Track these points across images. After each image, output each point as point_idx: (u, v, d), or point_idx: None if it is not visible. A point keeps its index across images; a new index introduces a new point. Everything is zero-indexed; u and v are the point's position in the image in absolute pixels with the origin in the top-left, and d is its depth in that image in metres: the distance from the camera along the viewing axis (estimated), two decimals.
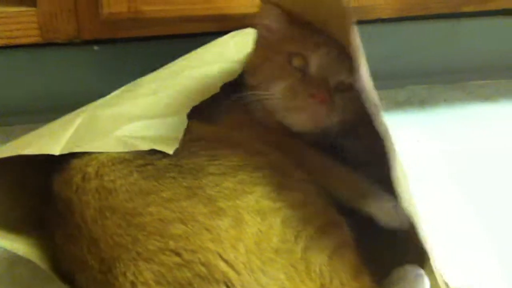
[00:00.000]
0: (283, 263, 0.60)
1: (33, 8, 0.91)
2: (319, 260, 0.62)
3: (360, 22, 1.05)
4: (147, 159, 0.65)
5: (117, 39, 0.97)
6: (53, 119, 0.98)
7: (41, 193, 0.70)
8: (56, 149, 0.66)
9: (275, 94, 0.75)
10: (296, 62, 0.76)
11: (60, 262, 0.67)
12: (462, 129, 1.07)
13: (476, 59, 1.18)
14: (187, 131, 0.68)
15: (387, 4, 1.01)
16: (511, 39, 1.17)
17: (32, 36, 0.93)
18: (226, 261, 0.58)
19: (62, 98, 0.99)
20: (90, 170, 0.65)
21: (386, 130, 0.62)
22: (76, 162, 0.67)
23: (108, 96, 0.77)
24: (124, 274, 0.58)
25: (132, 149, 0.66)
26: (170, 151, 0.65)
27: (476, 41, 1.17)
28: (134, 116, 0.71)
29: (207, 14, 0.93)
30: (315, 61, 0.75)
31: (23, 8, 0.92)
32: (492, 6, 1.09)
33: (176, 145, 0.66)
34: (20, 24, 0.92)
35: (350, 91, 0.76)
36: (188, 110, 0.71)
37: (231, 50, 0.84)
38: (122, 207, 0.62)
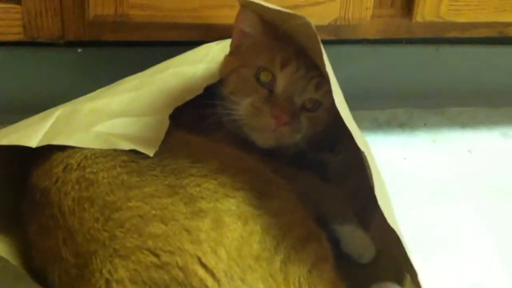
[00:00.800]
0: (262, 273, 0.59)
1: (18, 6, 0.90)
2: (298, 272, 0.61)
3: (344, 42, 1.08)
4: (130, 157, 0.65)
5: (101, 42, 0.96)
6: None
7: (15, 186, 0.69)
8: (33, 142, 0.65)
9: (240, 110, 0.74)
10: (264, 77, 0.75)
11: (32, 259, 0.65)
12: (441, 153, 1.09)
13: (456, 85, 1.20)
14: (171, 136, 0.68)
15: (372, 25, 1.02)
16: (490, 67, 1.19)
17: (15, 33, 0.91)
18: (205, 267, 0.57)
19: (42, 98, 0.97)
20: (73, 161, 0.64)
21: (366, 149, 0.62)
22: (58, 154, 0.66)
23: (89, 94, 0.76)
24: (100, 271, 0.57)
25: (112, 147, 0.65)
26: (150, 153, 0.64)
27: (457, 68, 1.19)
28: (115, 113, 0.70)
29: (194, 22, 0.93)
30: (283, 79, 0.74)
31: (7, 5, 0.90)
32: (473, 34, 1.11)
33: (157, 147, 0.65)
34: (3, 21, 0.90)
35: (318, 109, 0.76)
36: (170, 111, 0.70)
37: (217, 53, 0.83)
38: (101, 199, 0.61)
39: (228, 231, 0.59)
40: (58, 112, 0.70)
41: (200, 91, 0.74)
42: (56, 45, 0.96)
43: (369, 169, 0.61)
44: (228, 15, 0.93)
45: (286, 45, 0.76)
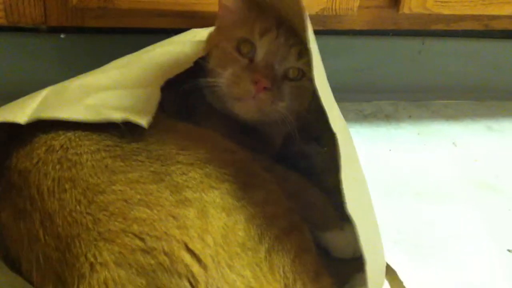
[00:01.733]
0: (248, 261, 0.58)
1: None
2: (283, 262, 0.60)
3: (331, 33, 1.08)
4: (115, 141, 0.63)
5: (84, 28, 0.94)
6: None
7: None
8: (22, 118, 0.63)
9: (222, 81, 0.73)
10: (245, 48, 0.75)
11: (6, 248, 0.63)
12: (425, 145, 1.09)
13: (442, 79, 1.20)
14: (159, 121, 0.66)
15: (359, 16, 1.02)
16: (475, 61, 1.20)
17: None
18: (192, 252, 0.56)
19: (24, 84, 0.95)
20: (55, 143, 0.62)
21: (342, 131, 0.60)
22: (41, 136, 0.63)
23: (77, 76, 0.75)
24: (85, 255, 0.55)
25: (104, 118, 0.63)
26: (144, 123, 0.62)
27: (443, 61, 1.19)
28: (105, 86, 0.69)
29: (179, 10, 0.92)
30: (262, 48, 0.74)
31: None
32: (459, 26, 1.11)
33: (150, 119, 0.63)
34: None
35: (301, 79, 0.75)
36: (161, 83, 0.68)
37: (204, 35, 0.83)
38: (84, 181, 0.59)
39: (213, 220, 0.58)
40: (46, 90, 0.69)
41: (190, 64, 0.74)
42: (38, 31, 0.95)
43: (338, 153, 0.58)
44: (213, 2, 0.92)
45: (267, 15, 0.75)
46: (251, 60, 0.74)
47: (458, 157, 1.06)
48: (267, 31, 0.74)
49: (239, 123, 0.76)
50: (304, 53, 0.74)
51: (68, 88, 0.69)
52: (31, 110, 0.64)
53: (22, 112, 0.63)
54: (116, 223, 0.56)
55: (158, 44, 0.81)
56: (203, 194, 0.60)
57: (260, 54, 0.74)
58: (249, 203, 0.62)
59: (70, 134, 0.63)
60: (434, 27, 1.09)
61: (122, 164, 0.61)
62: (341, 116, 0.73)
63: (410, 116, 1.16)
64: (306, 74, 0.75)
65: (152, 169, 0.61)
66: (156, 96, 0.66)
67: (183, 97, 0.75)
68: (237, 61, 0.74)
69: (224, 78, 0.73)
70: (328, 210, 0.74)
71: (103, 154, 0.61)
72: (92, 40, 0.98)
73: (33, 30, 0.94)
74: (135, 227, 0.56)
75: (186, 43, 0.80)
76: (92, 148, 0.62)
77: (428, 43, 1.16)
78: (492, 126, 1.16)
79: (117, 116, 0.63)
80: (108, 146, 0.62)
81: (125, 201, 0.58)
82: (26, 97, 0.69)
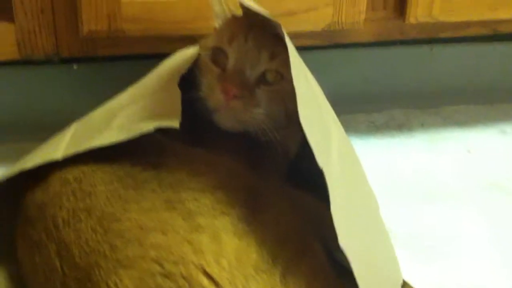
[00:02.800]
0: (264, 284, 0.58)
1: (11, 24, 0.90)
2: (298, 284, 0.60)
3: (338, 46, 1.08)
4: (127, 171, 0.64)
5: (96, 57, 0.96)
6: (31, 137, 0.97)
7: (6, 220, 0.68)
8: (57, 155, 0.64)
9: (202, 93, 0.74)
10: (219, 57, 0.75)
11: (23, 282, 0.64)
12: (440, 153, 1.09)
13: (452, 84, 1.20)
14: (167, 148, 0.67)
15: (366, 29, 1.03)
16: (485, 64, 1.20)
17: (9, 53, 0.92)
18: (209, 276, 0.56)
19: (40, 116, 0.98)
20: (69, 176, 0.64)
21: (316, 143, 0.58)
22: (55, 172, 0.65)
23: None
24: (106, 283, 0.56)
25: (137, 133, 0.63)
26: (176, 124, 0.62)
27: (452, 67, 1.19)
28: (127, 103, 0.70)
29: (188, 34, 0.93)
30: (232, 54, 0.74)
31: (0, 24, 0.90)
32: (466, 32, 1.11)
33: (179, 117, 0.63)
34: None
35: (280, 82, 0.74)
36: (177, 80, 0.68)
37: None
38: (98, 210, 0.60)
39: (226, 244, 0.59)
40: (74, 125, 0.70)
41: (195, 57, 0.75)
42: (51, 63, 0.96)
43: (328, 188, 0.57)
44: None
45: (239, 21, 0.76)
46: (224, 69, 0.74)
47: (473, 163, 1.06)
48: (235, 37, 0.74)
49: (235, 134, 0.75)
50: (277, 53, 0.73)
51: (93, 118, 0.71)
52: (65, 146, 0.65)
53: (56, 150, 0.65)
54: (133, 249, 0.57)
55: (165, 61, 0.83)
56: (214, 220, 0.60)
57: (231, 61, 0.74)
58: (260, 226, 0.62)
59: (83, 167, 0.64)
60: (441, 34, 1.10)
61: (134, 193, 0.61)
62: (334, 119, 0.71)
63: (422, 124, 1.16)
64: (284, 76, 0.74)
65: (164, 197, 0.61)
66: (177, 94, 0.66)
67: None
68: (211, 71, 0.75)
69: (202, 91, 0.74)
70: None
71: (116, 184, 0.62)
72: (104, 68, 1.00)
73: (46, 62, 0.96)
74: (152, 253, 0.57)
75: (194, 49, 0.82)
76: (105, 179, 0.63)
77: (436, 50, 1.16)
78: (506, 129, 1.16)
79: (148, 126, 0.63)
80: (120, 176, 0.63)
81: (140, 228, 0.58)
82: (55, 136, 0.71)
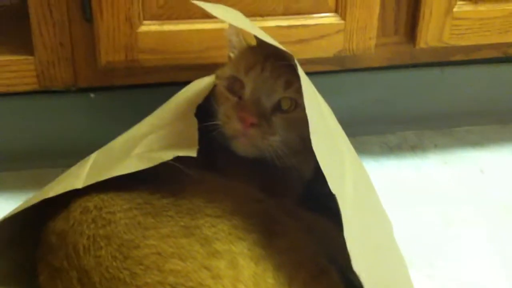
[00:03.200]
0: None
1: (31, 57, 0.93)
2: None
3: (351, 70, 1.10)
4: (145, 198, 0.66)
5: (114, 87, 0.98)
6: (50, 164, 0.99)
7: (29, 246, 0.69)
8: (78, 184, 0.66)
9: (219, 121, 0.76)
10: (235, 86, 0.77)
11: None
12: (453, 174, 1.09)
13: (463, 105, 1.21)
14: (184, 174, 0.68)
15: (377, 54, 1.04)
16: (496, 85, 1.20)
17: (29, 84, 0.94)
18: None
19: (59, 144, 1.00)
20: (90, 204, 0.65)
21: (329, 169, 0.59)
22: (76, 200, 0.66)
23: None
24: None
25: (157, 162, 0.64)
26: (193, 153, 0.64)
27: (463, 88, 1.19)
28: (147, 132, 0.72)
29: (202, 63, 0.95)
30: (249, 84, 0.76)
31: (21, 57, 0.93)
32: (477, 55, 1.12)
33: (196, 146, 0.65)
34: (18, 72, 0.93)
35: (295, 109, 0.76)
36: (194, 110, 0.71)
37: None
38: (118, 237, 0.61)
39: (243, 270, 0.60)
40: (94, 154, 0.72)
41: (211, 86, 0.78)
42: (69, 92, 0.98)
43: (341, 215, 0.58)
44: None
45: (256, 50, 0.78)
46: (241, 98, 0.76)
47: (486, 184, 1.06)
48: (252, 66, 0.76)
49: (250, 159, 0.77)
50: (292, 81, 0.75)
51: (113, 147, 0.72)
52: (85, 175, 0.67)
53: (77, 178, 0.67)
54: (153, 276, 0.58)
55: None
56: (231, 246, 0.62)
57: (248, 90, 0.76)
58: (276, 251, 0.63)
59: (102, 195, 0.66)
60: (452, 58, 1.10)
61: (153, 220, 0.63)
62: (347, 143, 0.72)
63: (435, 145, 1.17)
64: (300, 104, 0.76)
65: (182, 223, 0.63)
66: (194, 123, 0.68)
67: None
68: (228, 100, 0.77)
69: (219, 119, 0.76)
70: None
71: (135, 212, 0.64)
72: (121, 97, 1.02)
73: (64, 91, 0.98)
74: (171, 279, 0.58)
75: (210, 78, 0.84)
76: (124, 206, 0.65)
77: (447, 72, 1.17)
78: None
79: (167, 156, 0.64)
80: (139, 204, 0.65)
81: (159, 254, 0.60)
82: (76, 165, 0.73)
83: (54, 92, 0.98)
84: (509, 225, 0.96)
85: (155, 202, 0.65)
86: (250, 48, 0.82)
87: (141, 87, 1.01)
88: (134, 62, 0.92)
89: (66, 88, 0.97)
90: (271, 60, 0.76)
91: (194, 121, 0.69)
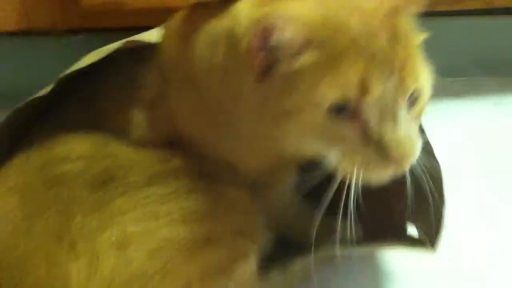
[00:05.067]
0: None
1: None
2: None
3: None
4: None
5: (99, 29, 0.98)
6: None
7: None
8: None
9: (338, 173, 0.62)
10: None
11: None
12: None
13: (448, 58, 1.21)
14: None
15: None
16: (480, 38, 1.21)
17: (14, 23, 0.93)
18: None
19: (42, 86, 1.00)
20: None
21: None
22: None
23: None
24: None
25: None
26: None
27: (448, 40, 1.20)
28: None
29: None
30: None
31: None
32: (461, 6, 1.12)
33: None
34: (2, 12, 0.92)
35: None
36: None
37: None
38: None
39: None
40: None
41: None
42: (54, 33, 0.98)
43: None
44: None
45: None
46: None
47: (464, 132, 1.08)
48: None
49: None
50: None
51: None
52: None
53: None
54: None
55: None
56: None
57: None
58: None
59: None
60: (438, 8, 1.10)
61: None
62: None
63: None
64: None
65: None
66: None
67: None
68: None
69: (341, 168, 0.59)
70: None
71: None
72: (106, 40, 1.00)
73: (49, 32, 0.98)
74: None
75: None
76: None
77: (433, 23, 1.16)
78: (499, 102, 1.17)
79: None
80: None
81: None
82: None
83: (38, 33, 0.97)
84: None
85: None
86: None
87: (128, 30, 1.00)
88: (118, 4, 0.92)
89: (51, 29, 0.96)
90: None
91: None
